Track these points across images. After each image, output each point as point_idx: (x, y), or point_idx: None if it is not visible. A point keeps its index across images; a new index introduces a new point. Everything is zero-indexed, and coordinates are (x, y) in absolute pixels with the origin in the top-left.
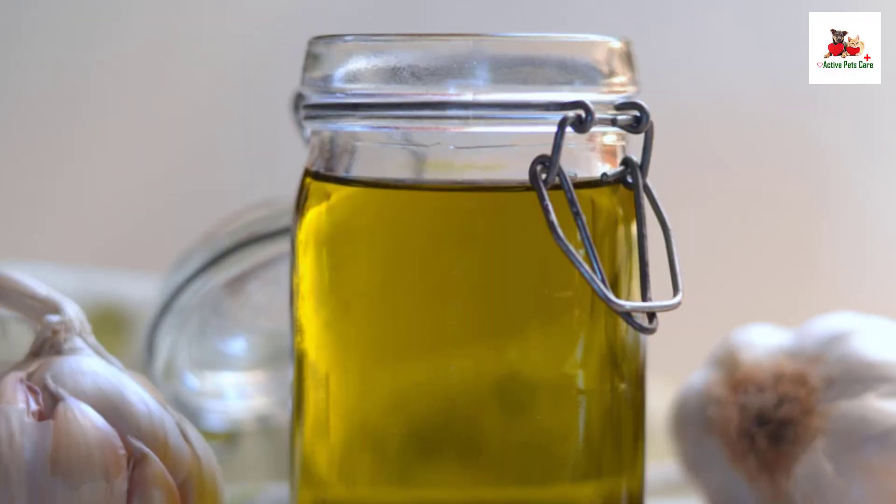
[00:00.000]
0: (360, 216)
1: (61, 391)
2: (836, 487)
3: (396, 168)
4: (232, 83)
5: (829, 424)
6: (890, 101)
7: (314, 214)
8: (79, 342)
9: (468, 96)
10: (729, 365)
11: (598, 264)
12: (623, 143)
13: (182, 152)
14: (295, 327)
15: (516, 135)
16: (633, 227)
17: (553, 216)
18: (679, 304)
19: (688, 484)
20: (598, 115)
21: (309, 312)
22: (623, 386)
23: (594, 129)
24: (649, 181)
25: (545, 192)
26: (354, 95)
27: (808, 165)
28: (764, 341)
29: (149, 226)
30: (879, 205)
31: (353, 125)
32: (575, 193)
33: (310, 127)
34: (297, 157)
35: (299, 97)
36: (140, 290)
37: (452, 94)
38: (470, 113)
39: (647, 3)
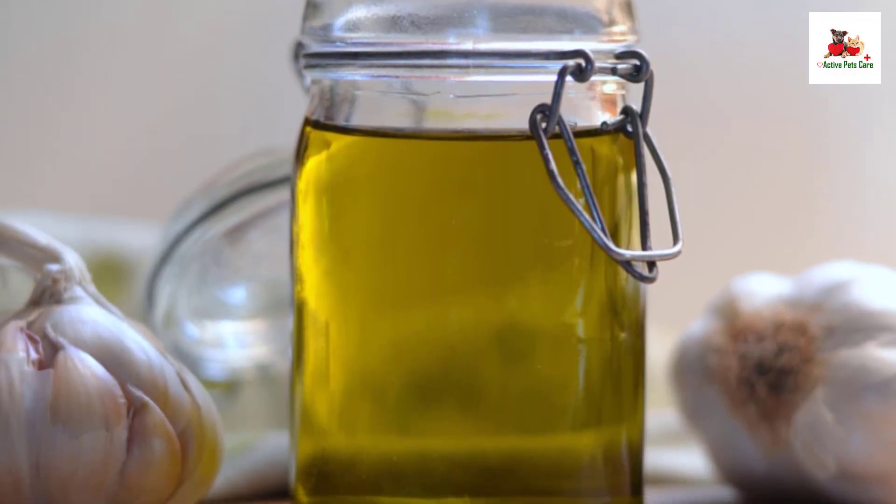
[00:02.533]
0: (359, 165)
1: (61, 340)
2: (836, 436)
3: (396, 117)
4: (232, 32)
5: (830, 373)
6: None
7: (314, 163)
8: (79, 291)
9: (468, 45)
10: (729, 314)
11: (598, 213)
12: (623, 91)
13: (182, 101)
14: (295, 276)
15: (516, 84)
16: (633, 176)
17: (553, 165)
18: (679, 252)
19: (687, 432)
20: (598, 64)
21: (309, 261)
22: (623, 335)
23: (594, 77)
24: (649, 130)
25: (545, 141)
26: (354, 44)
27: (808, 114)
28: (764, 290)
29: (149, 175)
30: (880, 153)
31: (353, 74)
32: (575, 142)
33: (310, 76)
34: (297, 106)
35: (299, 46)
36: (140, 239)
37: (452, 42)
38: (470, 62)
39: None
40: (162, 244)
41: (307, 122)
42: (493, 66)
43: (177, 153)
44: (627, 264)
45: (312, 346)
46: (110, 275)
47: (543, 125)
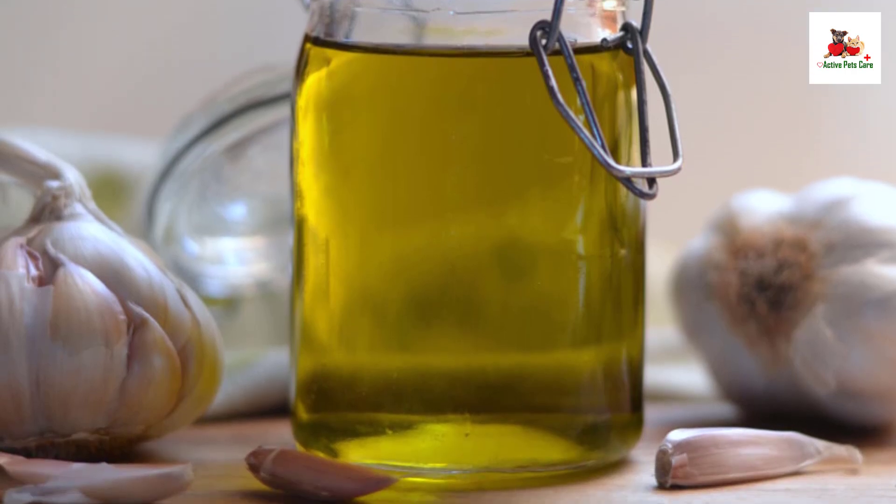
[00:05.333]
0: (359, 82)
1: (61, 256)
2: (835, 352)
3: (396, 33)
4: None
5: (829, 290)
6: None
7: (314, 80)
8: (79, 208)
9: None
10: (729, 230)
11: (598, 130)
12: (623, 8)
13: (183, 16)
14: (295, 193)
15: (516, 0)
16: (633, 93)
17: (553, 81)
18: (679, 169)
19: (687, 349)
20: None
21: (309, 178)
22: (623, 251)
23: None
24: (649, 47)
25: (545, 58)
26: None
27: (808, 29)
28: (764, 207)
29: (150, 91)
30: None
31: None
32: (575, 59)
33: None
34: (297, 23)
35: None
36: (140, 156)
37: None
38: None
39: None
40: (162, 161)
41: (307, 38)
42: None
43: (177, 69)
44: (627, 181)
45: (312, 262)
46: (110, 191)
47: (543, 42)
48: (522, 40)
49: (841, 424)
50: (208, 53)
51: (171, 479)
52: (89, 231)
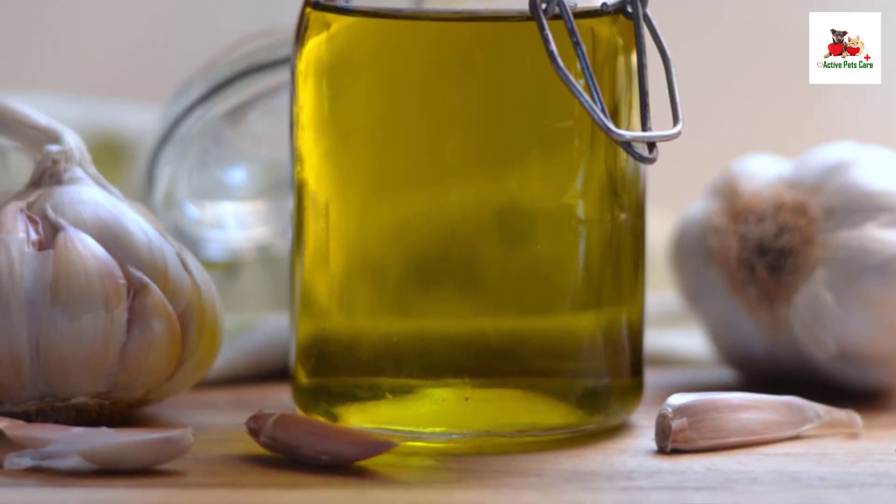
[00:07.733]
0: (359, 46)
1: (61, 221)
2: (835, 317)
3: None
4: None
5: (829, 254)
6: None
7: (314, 44)
8: (79, 172)
9: None
10: (729, 195)
11: (598, 94)
12: None
13: None
14: (295, 157)
15: None
16: (633, 57)
17: (553, 46)
18: (679, 133)
19: (687, 314)
20: None
21: (309, 142)
22: (623, 216)
23: None
24: (649, 11)
25: (545, 22)
26: None
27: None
28: (764, 171)
29: (150, 55)
30: (883, 32)
31: None
32: (575, 23)
33: None
34: None
35: None
36: (140, 120)
37: None
38: None
39: None
40: (162, 125)
41: (307, 2)
42: None
43: (177, 34)
44: (627, 145)
45: (312, 227)
46: (111, 156)
47: (543, 6)
48: (522, 4)
49: (841, 389)
50: (208, 18)
51: (171, 443)
52: (89, 195)
